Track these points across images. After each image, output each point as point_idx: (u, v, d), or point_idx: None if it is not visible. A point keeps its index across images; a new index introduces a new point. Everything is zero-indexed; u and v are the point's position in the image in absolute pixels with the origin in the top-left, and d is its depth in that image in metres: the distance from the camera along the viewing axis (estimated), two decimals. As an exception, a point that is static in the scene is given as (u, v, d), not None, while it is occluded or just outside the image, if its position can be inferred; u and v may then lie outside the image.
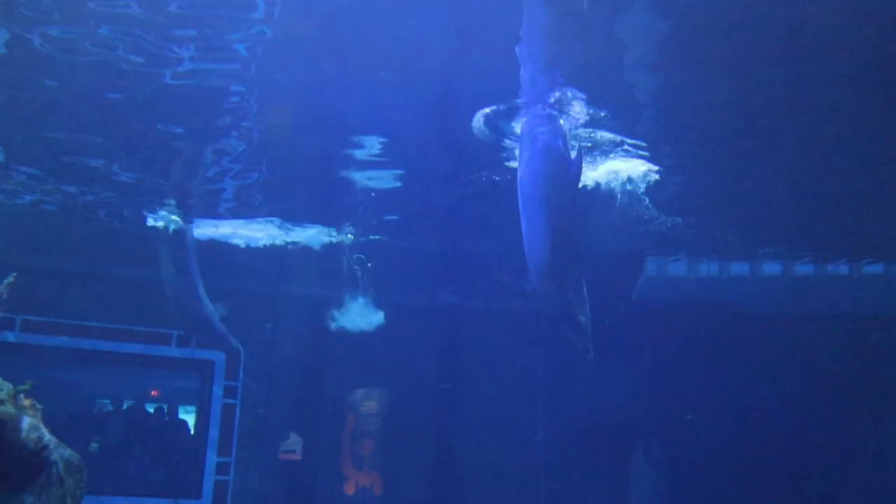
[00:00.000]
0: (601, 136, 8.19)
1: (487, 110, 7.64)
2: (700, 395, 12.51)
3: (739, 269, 11.39)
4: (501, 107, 7.58)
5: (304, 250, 12.64)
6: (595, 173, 8.95)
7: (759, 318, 11.80)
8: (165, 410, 15.33)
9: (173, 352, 13.57)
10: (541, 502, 13.34)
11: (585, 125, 7.91)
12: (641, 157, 8.65)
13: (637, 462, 13.17)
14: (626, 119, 7.86)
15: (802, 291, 11.81)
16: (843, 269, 11.30)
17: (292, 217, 11.50)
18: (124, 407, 14.82)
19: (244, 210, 11.27)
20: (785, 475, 12.66)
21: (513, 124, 7.88)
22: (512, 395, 13.53)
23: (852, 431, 12.76)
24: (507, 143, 8.35)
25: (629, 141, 8.26)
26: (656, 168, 8.87)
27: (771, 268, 11.29)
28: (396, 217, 11.21)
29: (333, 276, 13.05)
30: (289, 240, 12.43)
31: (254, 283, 13.75)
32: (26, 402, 6.82)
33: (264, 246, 12.60)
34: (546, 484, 13.38)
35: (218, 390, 13.39)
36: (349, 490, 12.92)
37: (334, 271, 12.89)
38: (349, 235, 12.22)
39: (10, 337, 12.36)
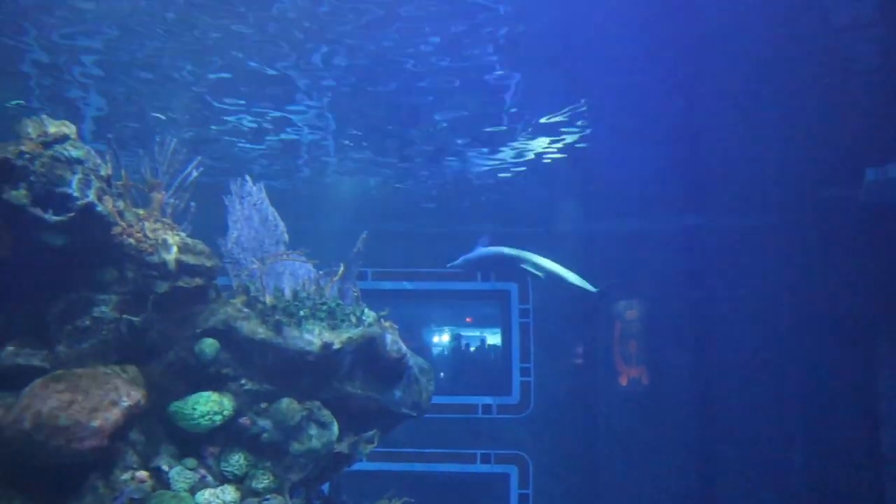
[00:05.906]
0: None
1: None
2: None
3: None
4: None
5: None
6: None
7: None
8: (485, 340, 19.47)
9: (479, 285, 16.94)
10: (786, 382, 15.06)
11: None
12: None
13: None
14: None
15: None
16: None
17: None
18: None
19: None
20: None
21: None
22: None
23: None
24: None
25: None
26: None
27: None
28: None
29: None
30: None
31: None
32: (387, 324, 8.65)
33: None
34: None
35: (514, 313, 16.73)
36: (623, 381, 15.83)
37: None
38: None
39: (365, 284, 16.54)
